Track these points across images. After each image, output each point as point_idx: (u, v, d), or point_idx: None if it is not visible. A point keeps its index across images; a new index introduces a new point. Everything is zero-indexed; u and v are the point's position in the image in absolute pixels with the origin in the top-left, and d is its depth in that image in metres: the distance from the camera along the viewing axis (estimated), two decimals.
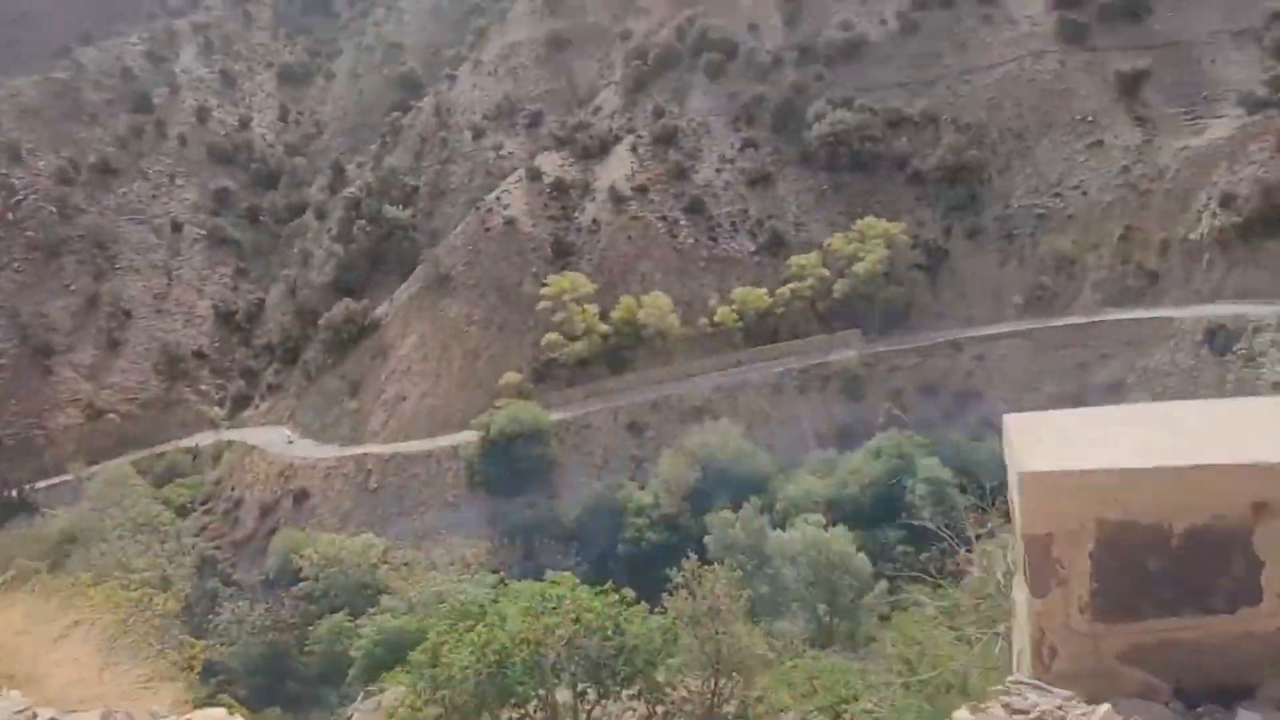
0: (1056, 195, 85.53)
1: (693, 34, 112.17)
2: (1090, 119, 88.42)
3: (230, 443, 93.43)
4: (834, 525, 56.48)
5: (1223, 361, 68.78)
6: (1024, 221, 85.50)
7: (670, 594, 17.72)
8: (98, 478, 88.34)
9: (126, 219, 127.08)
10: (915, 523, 16.57)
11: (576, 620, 15.90)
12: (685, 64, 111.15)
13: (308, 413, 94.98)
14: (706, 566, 17.70)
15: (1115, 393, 71.62)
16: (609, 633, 16.35)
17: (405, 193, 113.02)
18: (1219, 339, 69.42)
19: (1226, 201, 74.71)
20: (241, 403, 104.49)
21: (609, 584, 16.78)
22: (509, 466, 74.90)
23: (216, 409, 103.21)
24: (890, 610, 52.24)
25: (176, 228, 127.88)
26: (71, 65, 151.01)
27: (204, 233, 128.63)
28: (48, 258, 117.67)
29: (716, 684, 17.14)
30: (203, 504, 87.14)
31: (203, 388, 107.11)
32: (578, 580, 17.20)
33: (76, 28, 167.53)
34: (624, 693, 16.56)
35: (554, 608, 16.44)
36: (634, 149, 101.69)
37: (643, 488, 72.98)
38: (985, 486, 16.78)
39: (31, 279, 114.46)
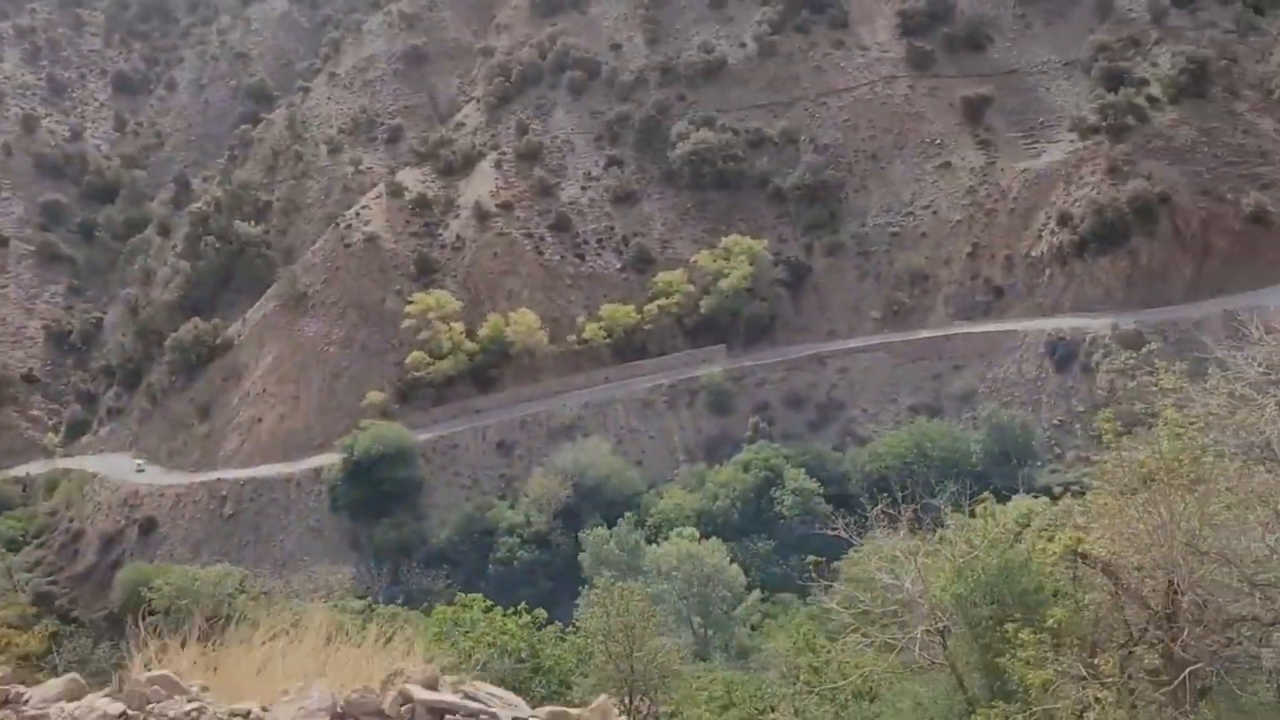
0: (909, 214, 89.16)
1: (555, 52, 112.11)
2: (938, 142, 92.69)
3: (67, 471, 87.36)
4: (706, 538, 56.89)
5: (1063, 372, 72.92)
6: (880, 239, 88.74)
7: (582, 612, 17.37)
8: None
9: None
10: (830, 532, 16.66)
11: (492, 644, 15.37)
12: (548, 81, 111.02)
13: (153, 438, 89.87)
14: (619, 584, 17.38)
15: (968, 403, 75.06)
16: (523, 655, 15.87)
17: (257, 208, 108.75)
18: (1060, 351, 73.59)
19: (1064, 220, 79.48)
20: (78, 428, 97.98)
21: (523, 605, 16.28)
22: (373, 488, 72.67)
23: (50, 435, 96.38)
24: (762, 619, 53.19)
25: (2, 243, 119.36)
26: None
27: (32, 249, 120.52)
28: None
29: (632, 701, 16.84)
30: (36, 537, 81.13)
31: (34, 413, 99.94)
32: (489, 602, 16.63)
33: None
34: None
35: (467, 631, 15.85)
36: (498, 165, 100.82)
37: (513, 506, 72.04)
38: (896, 496, 17.06)
39: None
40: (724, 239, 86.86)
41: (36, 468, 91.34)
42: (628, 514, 64.47)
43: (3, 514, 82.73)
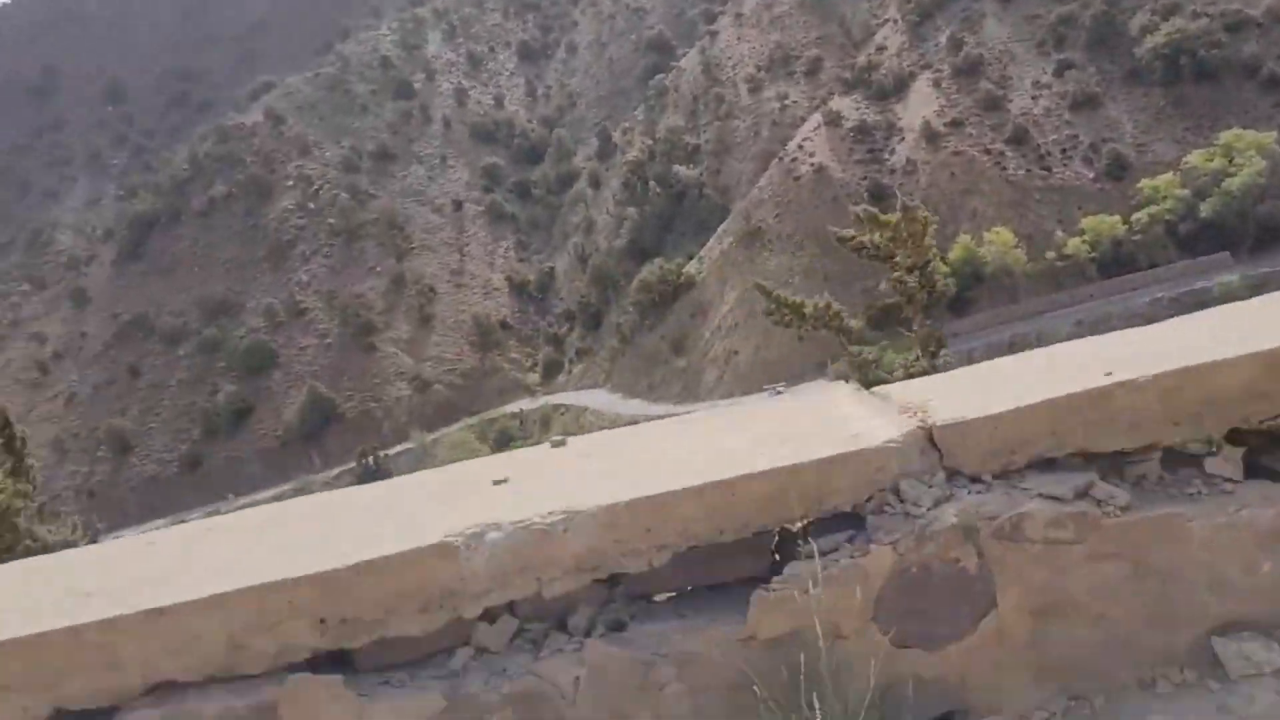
0: None
1: None
2: None
3: (558, 407, 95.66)
4: None
5: None
6: None
7: None
8: (439, 444, 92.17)
9: (411, 200, 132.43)
10: None
11: None
12: None
13: (626, 374, 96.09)
14: None
15: None
16: None
17: (687, 152, 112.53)
18: None
19: None
20: (552, 368, 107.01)
21: None
22: None
23: (531, 375, 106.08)
24: None
25: (457, 206, 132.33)
26: (337, 59, 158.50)
27: (482, 209, 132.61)
28: (349, 242, 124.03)
29: None
30: None
31: (513, 356, 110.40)
32: None
33: (335, 24, 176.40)
34: None
35: None
36: (936, 84, 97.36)
37: None
38: None
39: (340, 263, 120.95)
40: (1224, 134, 78.35)
41: (525, 404, 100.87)
42: None
43: (512, 445, 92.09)
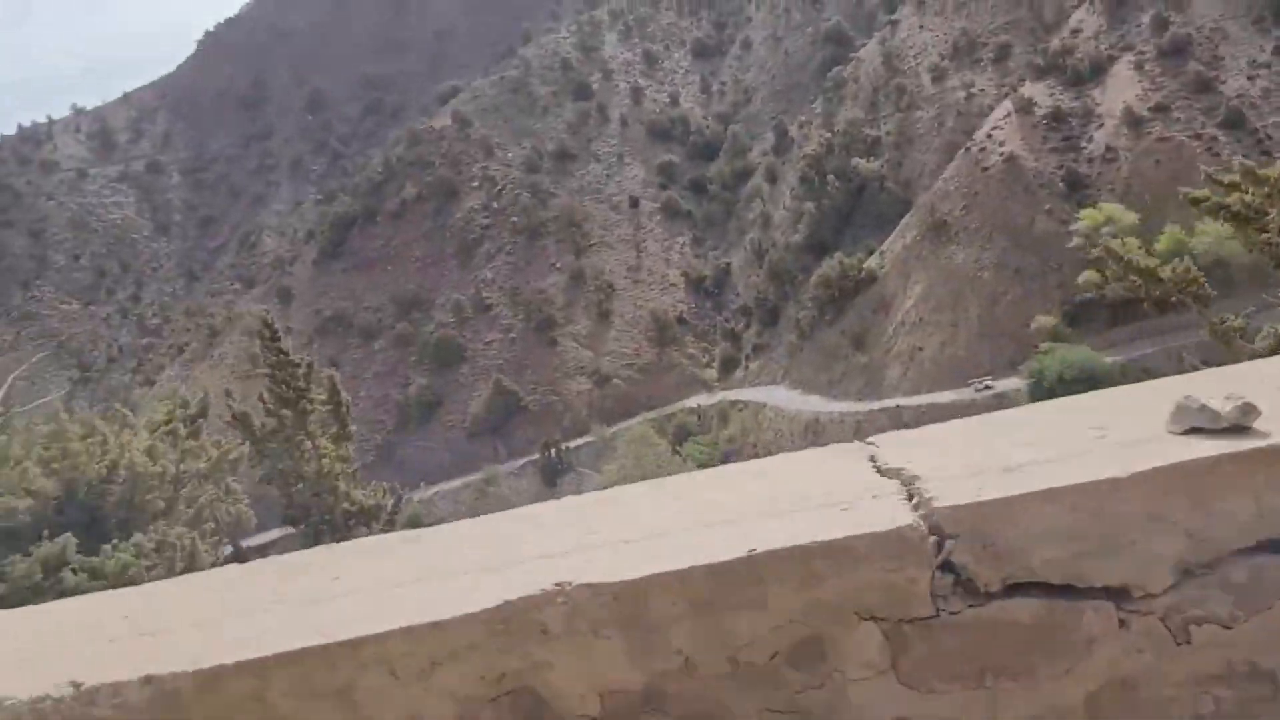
0: None
1: None
2: None
3: (735, 403, 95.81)
4: None
5: None
6: None
7: None
8: (620, 438, 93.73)
9: (589, 198, 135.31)
10: None
11: None
12: None
13: (805, 369, 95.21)
14: None
15: None
16: None
17: (867, 145, 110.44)
18: None
19: None
20: (729, 364, 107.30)
21: None
22: None
23: (708, 370, 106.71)
24: None
25: (634, 203, 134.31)
26: (520, 63, 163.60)
27: (658, 205, 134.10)
28: (531, 239, 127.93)
29: None
30: (723, 462, 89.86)
31: (690, 352, 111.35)
32: None
33: (516, 30, 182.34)
34: None
35: None
36: (1138, 66, 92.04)
37: None
38: None
39: (523, 260, 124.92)
40: None
41: (702, 400, 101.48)
42: None
43: (691, 440, 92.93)
